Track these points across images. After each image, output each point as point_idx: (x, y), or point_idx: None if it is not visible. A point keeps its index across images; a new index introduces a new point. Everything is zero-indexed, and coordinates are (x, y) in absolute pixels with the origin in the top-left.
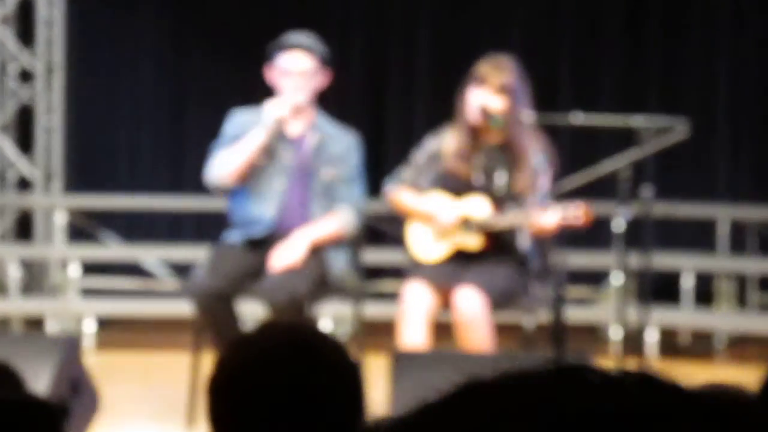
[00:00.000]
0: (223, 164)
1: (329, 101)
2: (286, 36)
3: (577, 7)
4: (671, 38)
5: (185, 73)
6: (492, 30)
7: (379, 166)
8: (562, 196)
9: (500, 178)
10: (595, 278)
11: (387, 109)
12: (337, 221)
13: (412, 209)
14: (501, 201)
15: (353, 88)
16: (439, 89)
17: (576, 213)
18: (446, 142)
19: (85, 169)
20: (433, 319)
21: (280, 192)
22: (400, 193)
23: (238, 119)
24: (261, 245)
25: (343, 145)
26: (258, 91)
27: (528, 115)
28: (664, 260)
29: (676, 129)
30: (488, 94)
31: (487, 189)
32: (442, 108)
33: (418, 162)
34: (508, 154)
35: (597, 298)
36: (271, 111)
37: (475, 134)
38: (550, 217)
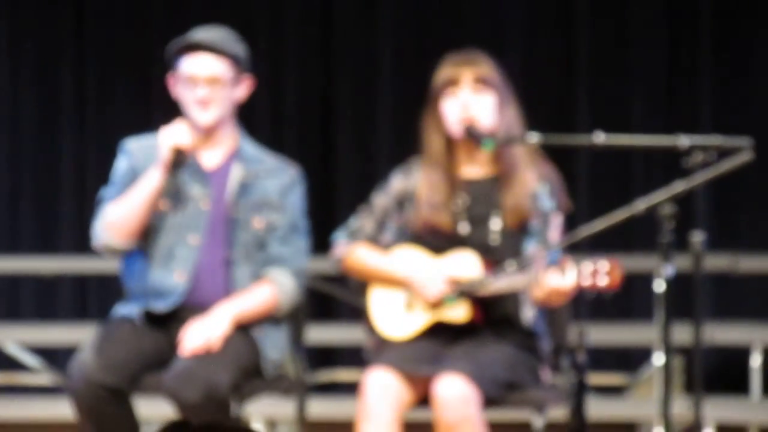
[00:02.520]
0: (112, 219)
1: (260, 122)
2: (189, 33)
3: None
4: (727, 35)
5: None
6: (478, 32)
7: (328, 212)
8: (580, 249)
9: (494, 225)
10: (629, 361)
11: (338, 133)
12: (271, 289)
13: (375, 271)
14: (495, 256)
15: (292, 105)
16: (408, 108)
17: (600, 271)
18: (418, 179)
19: None
20: (403, 420)
21: (193, 249)
22: (356, 250)
23: (132, 151)
24: (167, 322)
25: (279, 182)
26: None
27: (527, 136)
28: (723, 334)
29: (737, 152)
30: (467, 94)
31: (477, 240)
32: (414, 133)
33: (382, 207)
34: (503, 188)
35: (632, 387)
36: (166, 139)
37: (452, 165)
38: (565, 277)
